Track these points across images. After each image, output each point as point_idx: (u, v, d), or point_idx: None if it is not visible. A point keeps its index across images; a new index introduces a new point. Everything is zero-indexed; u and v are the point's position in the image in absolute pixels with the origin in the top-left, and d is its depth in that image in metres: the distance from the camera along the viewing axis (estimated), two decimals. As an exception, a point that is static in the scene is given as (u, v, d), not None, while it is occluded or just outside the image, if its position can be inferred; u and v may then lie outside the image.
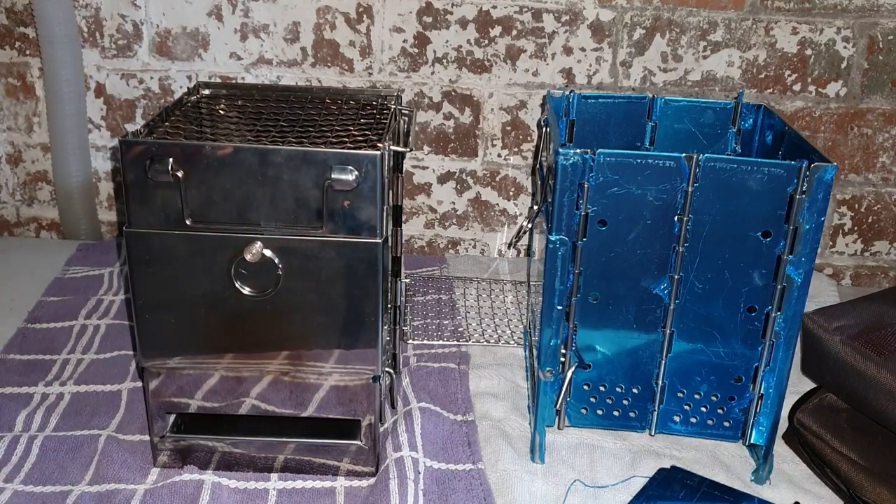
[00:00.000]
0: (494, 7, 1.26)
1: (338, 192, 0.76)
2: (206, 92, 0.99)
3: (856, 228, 1.38)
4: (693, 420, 0.90)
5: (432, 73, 1.30)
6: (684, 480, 0.86)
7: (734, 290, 0.83)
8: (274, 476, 0.87)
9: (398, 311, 0.92)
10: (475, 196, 1.38)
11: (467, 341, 1.12)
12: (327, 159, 0.75)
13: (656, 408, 0.90)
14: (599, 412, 0.91)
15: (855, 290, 1.38)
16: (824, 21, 1.26)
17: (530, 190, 1.37)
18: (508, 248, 1.41)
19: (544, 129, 1.00)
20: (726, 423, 0.89)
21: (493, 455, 0.89)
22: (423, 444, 0.89)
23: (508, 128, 1.33)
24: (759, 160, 0.79)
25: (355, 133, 0.85)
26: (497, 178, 1.36)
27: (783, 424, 0.94)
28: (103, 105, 1.34)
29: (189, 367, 0.83)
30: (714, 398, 0.88)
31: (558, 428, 0.94)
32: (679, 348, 0.87)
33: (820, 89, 1.30)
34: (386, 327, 0.87)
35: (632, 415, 0.91)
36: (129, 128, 1.35)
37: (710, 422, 0.89)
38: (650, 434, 0.92)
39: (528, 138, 1.34)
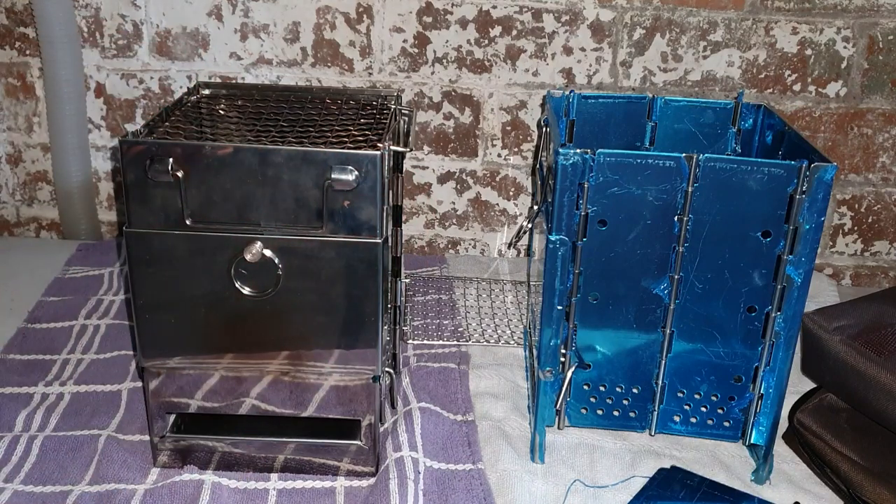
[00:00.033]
0: (494, 7, 1.26)
1: (338, 192, 0.76)
2: (206, 92, 0.99)
3: (856, 228, 1.38)
4: (693, 420, 0.90)
5: (432, 73, 1.30)
6: (684, 480, 0.86)
7: (734, 290, 0.83)
8: (274, 476, 0.87)
9: (398, 311, 0.92)
10: (475, 196, 1.38)
11: (467, 341, 1.12)
12: (327, 159, 0.75)
13: (656, 408, 0.90)
14: (599, 412, 0.91)
15: (855, 290, 1.38)
16: (824, 21, 1.26)
17: (530, 190, 1.37)
18: (508, 248, 1.41)
19: (544, 129, 1.00)
20: (726, 423, 0.89)
21: (493, 455, 0.89)
22: (423, 444, 0.89)
23: (508, 128, 1.33)
24: (759, 160, 0.79)
25: (355, 133, 0.85)
26: (497, 178, 1.37)
27: (783, 424, 0.94)
28: (103, 105, 1.34)
29: (189, 367, 0.83)
30: (714, 398, 0.88)
31: (558, 428, 0.94)
32: (679, 348, 0.87)
33: (820, 89, 1.30)
34: (386, 327, 0.87)
35: (632, 415, 0.91)
36: (129, 128, 1.35)
37: (710, 422, 0.89)
38: (650, 434, 0.92)
39: (528, 138, 1.34)
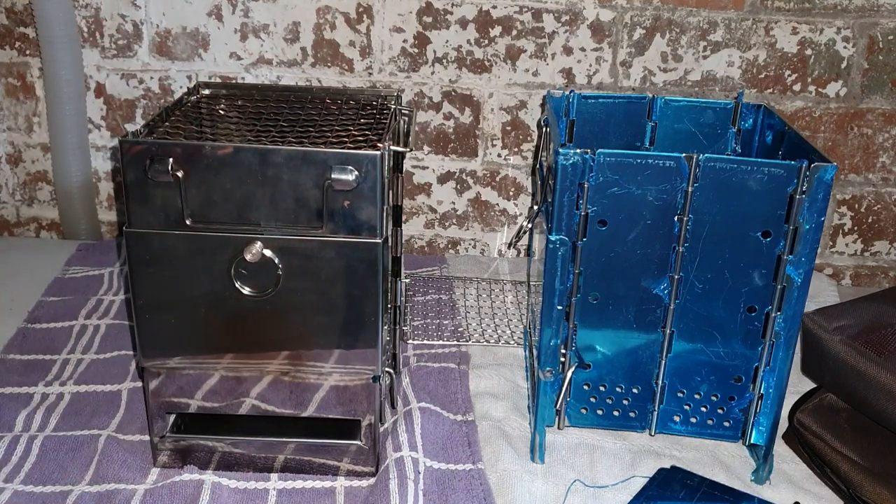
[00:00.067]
0: (494, 7, 1.26)
1: (338, 192, 0.76)
2: (206, 92, 0.99)
3: (856, 228, 1.38)
4: (693, 420, 0.90)
5: (432, 73, 1.30)
6: (684, 480, 0.86)
7: (734, 290, 0.83)
8: (274, 476, 0.87)
9: (398, 311, 0.92)
10: (475, 196, 1.38)
11: (467, 341, 1.12)
12: (327, 159, 0.75)
13: (656, 408, 0.90)
14: (599, 412, 0.91)
15: (855, 290, 1.38)
16: (824, 21, 1.26)
17: (530, 190, 1.37)
18: (508, 248, 1.41)
19: (544, 129, 1.00)
20: (726, 423, 0.89)
21: (493, 455, 0.89)
22: (423, 444, 0.89)
23: (508, 128, 1.33)
24: (759, 160, 0.79)
25: (355, 133, 0.85)
26: (497, 178, 1.37)
27: (783, 424, 0.94)
28: (103, 105, 1.34)
29: (189, 367, 0.83)
30: (714, 398, 0.88)
31: (558, 428, 0.94)
32: (679, 348, 0.87)
33: (820, 89, 1.30)
34: (386, 327, 0.87)
35: (632, 415, 0.91)
36: (129, 128, 1.35)
37: (710, 422, 0.89)
38: (650, 434, 0.92)
39: (528, 138, 1.34)
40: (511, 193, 1.37)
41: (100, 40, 1.30)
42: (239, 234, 0.78)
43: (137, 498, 0.81)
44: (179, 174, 0.75)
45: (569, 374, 0.88)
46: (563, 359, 0.88)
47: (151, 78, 1.32)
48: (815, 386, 0.98)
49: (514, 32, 1.27)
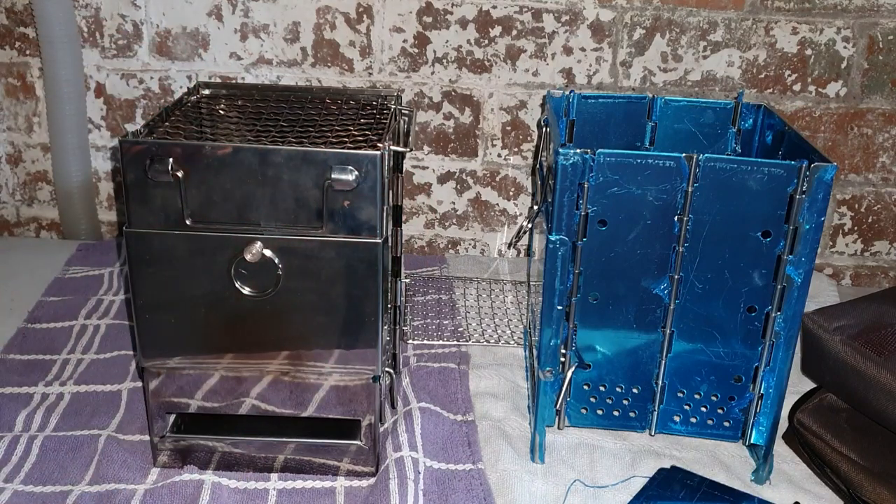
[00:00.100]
0: (494, 7, 1.26)
1: (338, 192, 0.76)
2: (206, 92, 0.99)
3: (856, 228, 1.38)
4: (693, 420, 0.90)
5: (432, 73, 1.30)
6: (684, 480, 0.86)
7: (734, 290, 0.83)
8: (274, 476, 0.87)
9: (398, 311, 0.92)
10: (475, 196, 1.38)
11: (467, 341, 1.12)
12: (327, 159, 0.75)
13: (656, 408, 0.90)
14: (599, 412, 0.91)
15: (855, 290, 1.38)
16: (824, 21, 1.26)
17: (530, 190, 1.37)
18: (508, 248, 1.41)
19: (544, 129, 1.00)
20: (726, 423, 0.89)
21: (493, 455, 0.89)
22: (423, 444, 0.89)
23: (508, 128, 1.33)
24: (759, 160, 0.79)
25: (355, 133, 0.85)
26: (497, 178, 1.37)
27: (783, 424, 0.94)
28: (103, 105, 1.34)
29: (189, 367, 0.83)
30: (714, 398, 0.88)
31: (558, 428, 0.94)
32: (679, 348, 0.87)
33: (820, 89, 1.30)
34: (386, 327, 0.87)
35: (632, 415, 0.91)
36: (129, 128, 1.35)
37: (710, 422, 0.89)
38: (650, 434, 0.92)
39: (528, 138, 1.34)
40: (511, 193, 1.37)
41: (100, 40, 1.30)
42: (239, 234, 0.78)
43: (137, 498, 0.81)
44: (179, 174, 0.75)
45: (569, 374, 0.88)
46: (563, 359, 0.88)
47: (151, 78, 1.32)
48: (815, 386, 0.98)
49: (514, 32, 1.27)
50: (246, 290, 0.79)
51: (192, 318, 0.81)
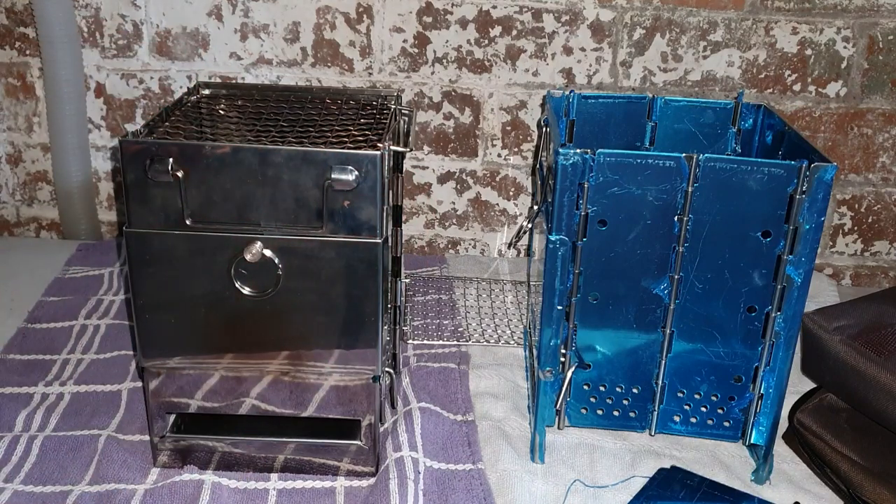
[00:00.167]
0: (494, 7, 1.26)
1: (338, 192, 0.76)
2: (206, 92, 0.99)
3: (856, 228, 1.38)
4: (693, 420, 0.90)
5: (432, 73, 1.30)
6: (684, 480, 0.86)
7: (734, 290, 0.83)
8: (274, 476, 0.87)
9: (398, 311, 0.92)
10: (475, 196, 1.38)
11: (467, 341, 1.12)
12: (327, 159, 0.75)
13: (656, 408, 0.90)
14: (599, 412, 0.91)
15: (855, 290, 1.38)
16: (824, 21, 1.26)
17: (530, 190, 1.37)
18: (508, 248, 1.41)
19: (544, 129, 1.00)
20: (726, 423, 0.89)
21: (493, 455, 0.89)
22: (423, 444, 0.89)
23: (508, 128, 1.33)
24: (759, 160, 0.79)
25: (355, 133, 0.85)
26: (497, 178, 1.37)
27: (783, 424, 0.94)
28: (103, 105, 1.34)
29: (189, 367, 0.83)
30: (714, 398, 0.88)
31: (558, 428, 0.94)
32: (679, 348, 0.87)
33: (820, 89, 1.30)
34: (386, 327, 0.87)
35: (632, 415, 0.91)
36: (129, 128, 1.35)
37: (710, 422, 0.89)
38: (650, 434, 0.92)
39: (528, 138, 1.34)
40: (511, 193, 1.37)
41: (100, 40, 1.30)
42: (239, 234, 0.78)
43: (137, 498, 0.81)
44: (179, 174, 0.75)
45: (569, 374, 0.88)
46: (563, 359, 0.88)
47: (151, 78, 1.32)
48: (815, 386, 0.98)
49: (514, 32, 1.27)
50: (246, 290, 0.79)
51: (192, 318, 0.81)
